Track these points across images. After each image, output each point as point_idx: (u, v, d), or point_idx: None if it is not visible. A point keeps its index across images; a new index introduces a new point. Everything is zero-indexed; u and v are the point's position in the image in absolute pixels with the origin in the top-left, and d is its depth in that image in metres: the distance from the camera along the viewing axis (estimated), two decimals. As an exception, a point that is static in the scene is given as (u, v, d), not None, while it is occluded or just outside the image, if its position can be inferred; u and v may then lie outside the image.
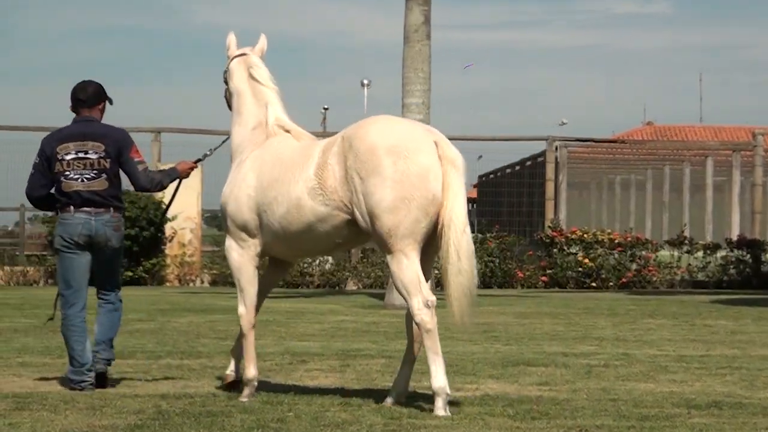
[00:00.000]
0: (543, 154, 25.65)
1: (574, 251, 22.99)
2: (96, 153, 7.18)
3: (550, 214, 24.61)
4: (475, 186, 37.01)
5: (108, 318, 7.31)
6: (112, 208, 7.21)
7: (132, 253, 20.97)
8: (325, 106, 50.27)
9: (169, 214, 20.90)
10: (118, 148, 7.21)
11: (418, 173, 6.11)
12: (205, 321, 12.69)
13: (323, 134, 34.46)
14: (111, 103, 7.47)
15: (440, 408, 6.14)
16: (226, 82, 7.13)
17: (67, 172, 7.17)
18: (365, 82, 36.31)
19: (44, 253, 24.54)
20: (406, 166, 6.11)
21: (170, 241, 23.05)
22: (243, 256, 6.86)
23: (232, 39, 7.12)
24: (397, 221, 6.10)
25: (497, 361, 8.82)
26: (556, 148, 25.27)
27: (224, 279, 22.25)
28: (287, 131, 6.85)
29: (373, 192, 6.15)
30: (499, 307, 15.77)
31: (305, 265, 22.67)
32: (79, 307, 7.22)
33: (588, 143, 28.16)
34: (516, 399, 6.79)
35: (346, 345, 10.05)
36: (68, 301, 7.24)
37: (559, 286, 22.58)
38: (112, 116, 7.52)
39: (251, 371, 6.76)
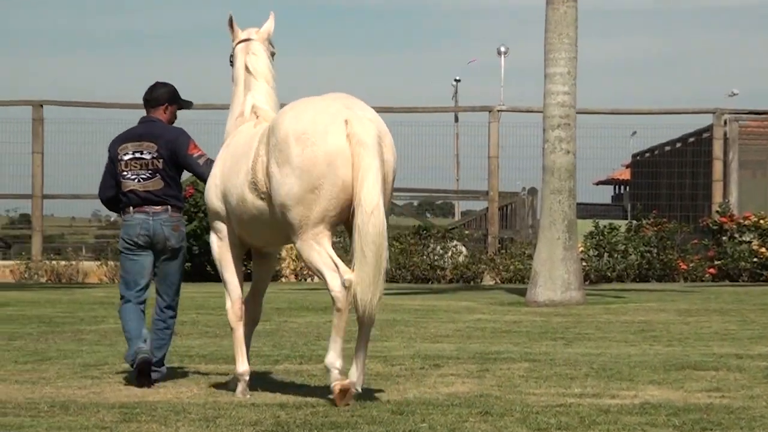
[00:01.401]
0: (709, 129, 25.14)
1: (747, 239, 22.48)
2: (150, 153, 7.89)
3: (717, 197, 24.13)
4: (627, 166, 36.45)
5: (158, 337, 7.99)
6: (169, 207, 7.89)
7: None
8: (457, 78, 50.13)
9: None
10: (171, 148, 7.87)
11: (325, 160, 6.47)
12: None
13: (455, 110, 34.48)
14: (188, 107, 8.23)
15: (332, 380, 6.73)
16: (230, 64, 7.57)
17: (125, 172, 7.91)
18: (502, 49, 36.11)
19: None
20: (313, 154, 6.48)
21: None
22: (221, 246, 7.28)
23: (233, 21, 7.47)
24: (306, 213, 6.54)
25: (658, 364, 8.66)
26: (725, 123, 24.74)
27: (346, 274, 22.46)
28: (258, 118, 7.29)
29: (284, 182, 6.58)
30: (659, 303, 15.51)
31: (435, 258, 22.71)
32: (137, 301, 7.94)
33: (763, 116, 27.39)
34: (682, 407, 6.65)
35: (484, 347, 10.02)
36: (129, 301, 7.95)
37: (730, 279, 22.09)
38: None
39: (241, 366, 7.13)
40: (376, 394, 7.18)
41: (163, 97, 8.08)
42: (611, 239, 22.67)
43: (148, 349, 7.73)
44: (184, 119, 10.04)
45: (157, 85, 8.15)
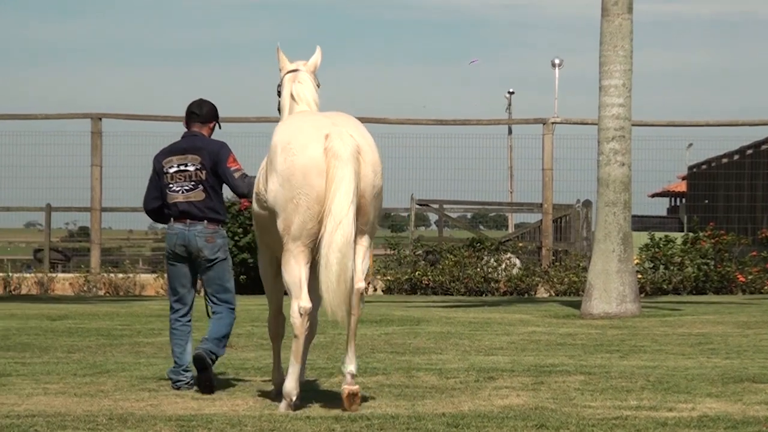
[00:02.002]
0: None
1: (806, 251, 22.21)
2: (193, 165, 8.30)
3: (775, 208, 23.84)
4: (683, 178, 36.16)
5: (214, 324, 8.30)
6: (206, 220, 8.28)
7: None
8: (511, 90, 49.99)
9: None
10: (214, 159, 8.27)
11: (301, 171, 6.90)
12: (380, 333, 12.81)
13: (509, 122, 34.39)
14: (220, 127, 8.65)
15: (282, 407, 7.09)
16: (278, 93, 7.93)
17: (171, 184, 8.34)
18: (556, 61, 35.94)
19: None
20: (292, 164, 6.92)
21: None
22: (261, 260, 7.91)
23: (281, 53, 7.85)
24: (287, 223, 6.95)
25: (716, 377, 8.58)
26: (784, 134, 24.48)
27: (399, 286, 22.47)
28: None
29: (271, 189, 7.07)
30: (717, 315, 15.36)
31: (489, 270, 22.65)
32: (182, 313, 8.40)
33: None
34: (740, 420, 6.58)
35: (539, 360, 9.97)
36: (172, 308, 8.45)
37: (789, 291, 21.84)
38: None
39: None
40: (431, 407, 7.18)
41: (211, 114, 8.55)
42: (667, 251, 22.48)
43: (189, 380, 8.20)
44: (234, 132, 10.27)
45: (204, 102, 8.59)
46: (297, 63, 7.83)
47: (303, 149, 6.93)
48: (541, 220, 25.44)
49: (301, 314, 6.95)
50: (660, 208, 46.28)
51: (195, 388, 8.12)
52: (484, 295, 22.27)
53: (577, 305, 16.41)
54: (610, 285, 15.45)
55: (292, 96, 7.68)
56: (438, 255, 23.35)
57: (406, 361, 9.78)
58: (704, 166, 32.16)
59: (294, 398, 7.04)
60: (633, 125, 16.29)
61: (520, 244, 25.15)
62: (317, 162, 6.88)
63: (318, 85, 7.80)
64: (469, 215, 32.02)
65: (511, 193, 39.05)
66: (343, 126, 7.03)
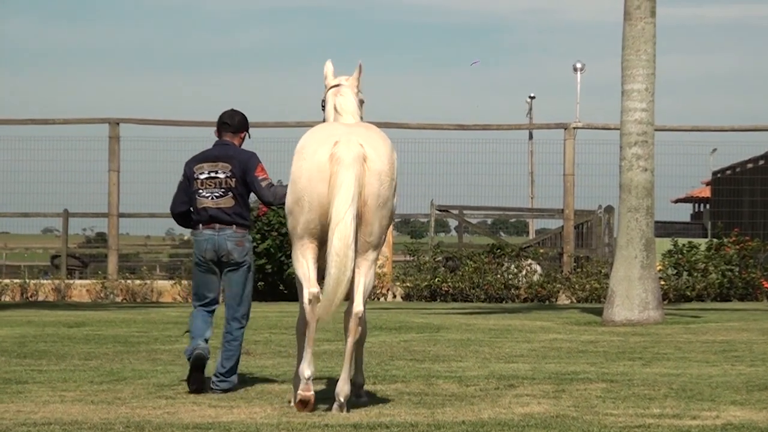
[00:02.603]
0: (792, 144, 24.73)
1: (833, 257, 22.10)
2: (224, 173, 8.68)
3: (801, 214, 23.71)
4: (707, 184, 36.03)
5: (226, 349, 8.60)
6: (234, 225, 8.64)
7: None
8: (531, 95, 49.96)
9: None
10: (243, 168, 8.66)
11: (307, 175, 7.27)
12: (399, 341, 12.80)
13: (530, 127, 34.36)
14: (250, 136, 9.02)
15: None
16: (322, 107, 8.19)
17: (201, 190, 8.70)
18: (578, 65, 35.88)
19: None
20: (299, 168, 7.31)
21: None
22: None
23: (329, 68, 8.17)
24: (294, 223, 7.35)
25: (740, 384, 8.54)
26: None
27: (419, 293, 22.45)
28: None
29: (288, 191, 7.49)
30: (741, 322, 15.29)
31: (510, 277, 22.62)
32: (207, 308, 8.72)
33: None
34: (766, 429, 6.55)
35: (560, 367, 9.95)
36: (196, 307, 8.79)
37: (815, 298, 21.73)
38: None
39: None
40: (451, 415, 7.16)
41: (242, 124, 8.94)
42: (691, 258, 22.40)
43: (205, 347, 8.48)
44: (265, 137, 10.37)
45: (236, 113, 8.98)
46: (340, 78, 8.16)
47: (312, 154, 7.29)
48: (563, 226, 25.39)
49: (310, 300, 7.22)
50: (683, 214, 46.17)
51: (206, 352, 8.41)
52: (504, 302, 22.23)
53: (598, 312, 16.36)
54: (632, 292, 15.41)
55: (335, 108, 7.99)
56: (458, 261, 23.33)
57: (426, 369, 9.76)
58: (728, 172, 32.04)
59: (308, 376, 7.24)
60: (656, 130, 16.24)
61: (541, 251, 25.10)
62: (321, 167, 7.22)
63: (362, 102, 8.10)
64: (489, 221, 32.00)
65: (531, 198, 39.01)
66: (357, 134, 7.33)
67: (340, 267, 7.03)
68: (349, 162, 7.16)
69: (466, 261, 23.09)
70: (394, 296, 23.14)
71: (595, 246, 25.66)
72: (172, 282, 24.30)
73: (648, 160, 15.76)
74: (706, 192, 38.43)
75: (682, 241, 23.08)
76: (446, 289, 22.38)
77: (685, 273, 22.33)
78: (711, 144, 27.90)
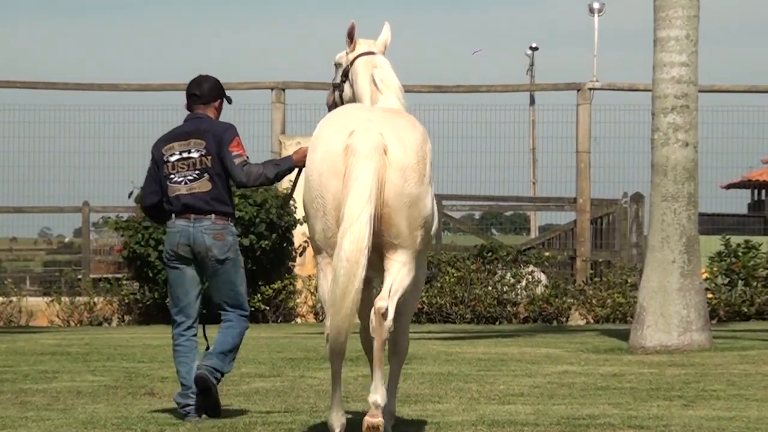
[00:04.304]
0: None
1: None
2: (198, 151, 9.30)
3: None
4: (767, 162, 36.29)
5: (221, 334, 9.39)
6: (213, 214, 9.27)
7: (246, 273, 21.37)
8: (533, 45, 50.13)
9: (301, 215, 21.23)
10: (218, 142, 9.26)
11: (318, 170, 7.70)
12: (357, 375, 12.83)
13: (531, 88, 34.47)
14: (230, 102, 9.70)
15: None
16: (340, 82, 8.57)
17: (172, 175, 9.35)
18: (596, 6, 35.95)
19: (118, 275, 25.22)
20: (311, 162, 7.78)
21: (301, 254, 23.36)
22: None
23: (354, 30, 8.46)
24: (311, 229, 7.82)
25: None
26: None
27: (384, 312, 22.45)
28: None
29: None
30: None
31: (505, 289, 22.68)
32: (185, 326, 9.45)
33: None
34: None
35: (573, 410, 10.02)
36: (174, 321, 9.49)
37: None
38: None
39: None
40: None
41: (215, 91, 9.58)
42: (748, 262, 22.56)
43: (204, 366, 9.24)
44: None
45: (204, 80, 9.61)
46: (368, 42, 8.53)
47: (324, 146, 7.74)
48: (575, 221, 25.50)
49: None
50: (738, 203, 46.41)
51: (204, 415, 9.25)
52: (497, 322, 22.31)
53: (624, 335, 16.44)
54: (669, 308, 15.49)
55: (374, 82, 8.29)
56: (435, 269, 23.38)
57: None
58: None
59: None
60: (700, 92, 16.35)
61: (547, 254, 25.21)
62: (334, 160, 7.63)
63: None
64: (477, 215, 32.12)
65: (533, 184, 39.13)
66: (378, 122, 7.72)
67: (349, 275, 7.37)
68: (365, 153, 7.54)
69: (446, 268, 23.15)
70: (350, 316, 23.13)
71: (619, 247, 25.80)
72: (47, 299, 24.19)
73: (689, 132, 15.84)
74: (765, 174, 38.69)
75: (736, 239, 23.23)
76: (420, 306, 22.43)
77: (740, 282, 22.49)
78: (770, 107, 28.08)
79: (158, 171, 9.43)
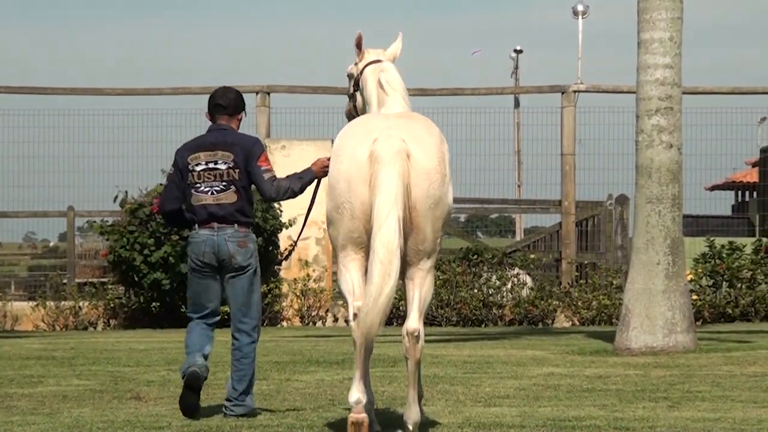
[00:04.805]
0: None
1: None
2: (225, 163, 9.62)
3: None
4: (755, 164, 36.31)
5: (236, 369, 9.68)
6: (236, 224, 9.62)
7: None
8: (517, 48, 50.15)
9: (287, 218, 21.25)
10: (246, 156, 9.59)
11: (346, 178, 8.09)
12: (342, 379, 12.83)
13: (515, 91, 34.46)
14: (246, 115, 9.99)
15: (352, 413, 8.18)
16: (353, 92, 8.94)
17: (198, 184, 9.66)
18: (580, 8, 36.02)
19: (103, 279, 25.21)
20: (337, 171, 8.16)
21: (286, 258, 23.32)
22: None
23: (362, 40, 8.85)
24: (335, 234, 8.22)
25: (798, 433, 8.63)
26: None
27: (369, 315, 22.46)
28: None
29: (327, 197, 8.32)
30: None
31: (490, 292, 22.69)
32: (207, 320, 9.78)
33: None
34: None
35: (559, 411, 10.04)
36: (193, 320, 9.79)
37: None
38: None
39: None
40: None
41: (238, 103, 9.89)
42: (732, 263, 22.59)
43: (203, 364, 9.56)
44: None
45: (229, 90, 9.92)
46: (377, 52, 8.92)
47: (349, 155, 8.11)
48: (560, 224, 25.52)
49: (355, 315, 8.10)
50: (722, 205, 46.53)
51: (204, 371, 9.57)
52: (483, 325, 22.31)
53: (610, 337, 16.46)
54: (654, 310, 15.52)
55: (381, 86, 8.64)
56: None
57: (379, 416, 9.79)
58: (783, 148, 32.32)
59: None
60: (684, 93, 16.37)
61: (532, 256, 25.21)
62: (361, 168, 8.02)
63: None
64: (462, 217, 32.09)
65: (518, 186, 39.19)
66: (398, 129, 8.09)
67: (384, 277, 7.78)
68: (389, 158, 7.93)
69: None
70: (336, 320, 23.15)
71: (604, 249, 25.83)
72: (32, 304, 24.17)
73: (674, 134, 15.87)
74: (753, 175, 38.70)
75: (720, 241, 23.26)
76: (405, 309, 22.42)
77: (725, 284, 22.52)
78: (759, 111, 28.12)
79: (182, 179, 9.70)
